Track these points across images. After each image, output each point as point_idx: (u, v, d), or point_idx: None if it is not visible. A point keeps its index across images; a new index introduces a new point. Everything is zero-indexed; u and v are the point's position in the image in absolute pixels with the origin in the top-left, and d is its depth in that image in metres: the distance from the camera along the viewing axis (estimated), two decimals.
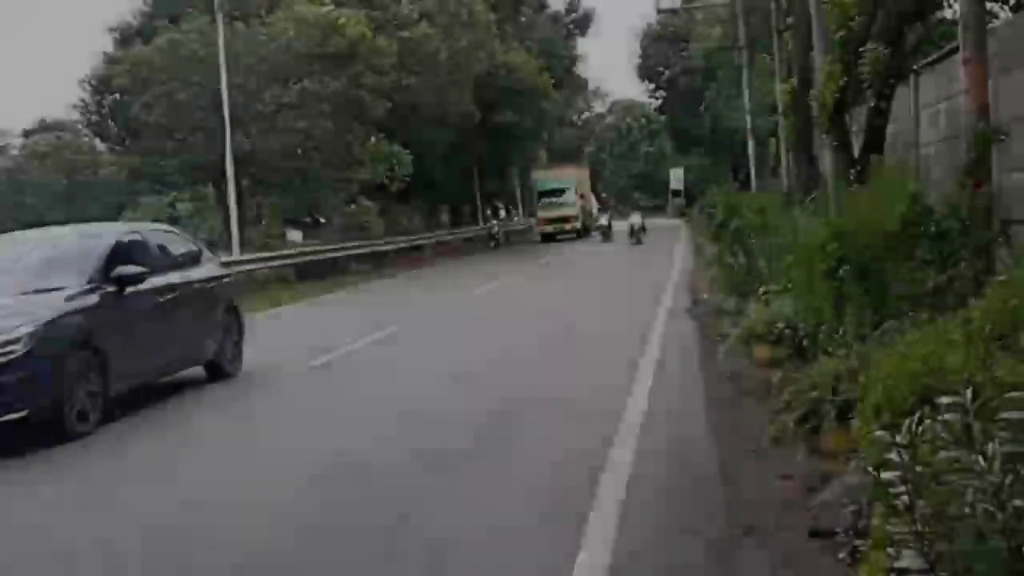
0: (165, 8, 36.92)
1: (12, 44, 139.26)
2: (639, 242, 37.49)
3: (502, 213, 64.45)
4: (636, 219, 38.94)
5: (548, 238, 50.26)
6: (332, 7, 35.54)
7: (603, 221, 45.09)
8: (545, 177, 54.80)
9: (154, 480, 7.83)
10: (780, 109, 24.38)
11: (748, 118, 36.72)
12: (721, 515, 5.72)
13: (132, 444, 9.23)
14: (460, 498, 6.59)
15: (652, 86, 64.15)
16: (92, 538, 6.31)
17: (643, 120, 79.71)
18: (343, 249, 35.02)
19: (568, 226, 50.54)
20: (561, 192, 51.73)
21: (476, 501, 6.52)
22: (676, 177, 66.80)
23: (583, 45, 69.55)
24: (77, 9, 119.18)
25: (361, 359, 13.68)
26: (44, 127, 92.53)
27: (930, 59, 13.00)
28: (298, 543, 5.88)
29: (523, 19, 58.53)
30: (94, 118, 37.21)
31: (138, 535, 6.30)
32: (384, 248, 38.37)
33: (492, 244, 46.60)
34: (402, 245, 40.44)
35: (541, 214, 52.62)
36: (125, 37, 37.45)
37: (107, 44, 39.67)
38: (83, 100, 36.26)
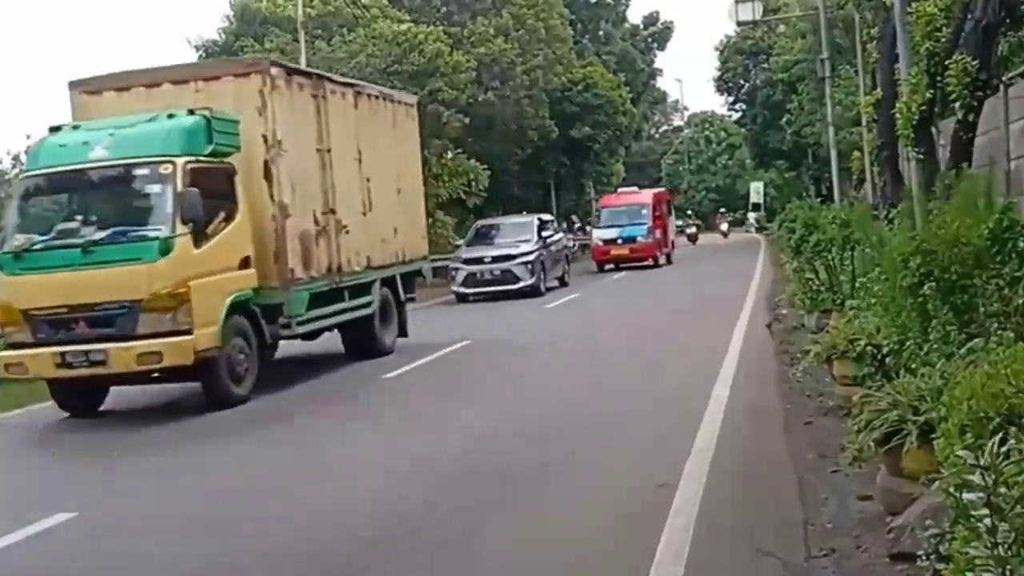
0: (249, 27, 37.65)
1: (102, 60, 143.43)
2: None
3: (577, 228, 63.88)
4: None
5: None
6: (411, 24, 35.94)
7: None
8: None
9: None
10: (864, 122, 23.96)
11: (831, 131, 36.14)
12: (799, 536, 5.61)
13: None
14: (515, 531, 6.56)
15: (731, 99, 63.48)
16: None
17: (722, 133, 78.96)
18: None
19: None
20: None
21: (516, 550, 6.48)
22: (756, 190, 65.99)
23: (661, 58, 69.27)
24: (164, 27, 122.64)
25: (434, 371, 13.76)
26: None
27: (1021, 70, 12.65)
28: None
29: (601, 33, 58.43)
30: None
31: None
32: None
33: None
34: None
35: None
36: (210, 55, 38.24)
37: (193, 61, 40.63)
38: None
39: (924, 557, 4.13)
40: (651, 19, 64.88)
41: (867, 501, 5.95)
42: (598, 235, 35.56)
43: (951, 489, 3.23)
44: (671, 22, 65.84)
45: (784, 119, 51.89)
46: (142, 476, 8.69)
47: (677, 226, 50.97)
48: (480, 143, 39.98)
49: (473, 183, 39.13)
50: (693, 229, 55.67)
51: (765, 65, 56.27)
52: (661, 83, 72.36)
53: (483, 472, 7.76)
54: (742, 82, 60.73)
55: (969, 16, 12.07)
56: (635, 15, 68.82)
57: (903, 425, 5.50)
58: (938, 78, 12.29)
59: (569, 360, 13.88)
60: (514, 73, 40.11)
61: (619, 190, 40.20)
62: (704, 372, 11.29)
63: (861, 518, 5.73)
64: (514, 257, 25.67)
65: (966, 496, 3.02)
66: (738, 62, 59.83)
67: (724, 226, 57.40)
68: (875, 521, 5.55)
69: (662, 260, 35.13)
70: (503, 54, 39.33)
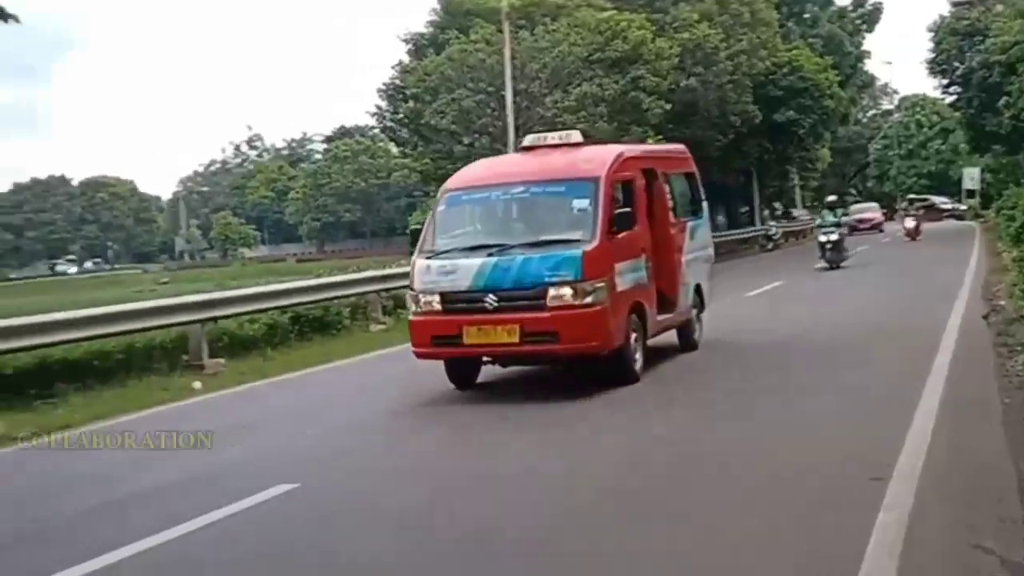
0: (455, 19, 38.59)
1: (317, 57, 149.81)
2: None
3: (779, 214, 62.05)
4: None
5: None
6: (614, 11, 36.02)
7: None
8: None
9: None
10: None
11: None
12: (1018, 532, 5.52)
13: None
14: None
15: (945, 81, 60.53)
16: None
17: (934, 117, 75.50)
18: None
19: None
20: None
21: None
22: (971, 176, 62.92)
23: (870, 40, 66.43)
24: (375, 22, 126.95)
25: None
26: (343, 133, 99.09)
27: None
28: None
29: (807, 16, 56.89)
30: (389, 124, 39.24)
31: None
32: None
33: (769, 246, 45.18)
34: None
35: None
36: (418, 47, 39.39)
37: (402, 54, 41.93)
38: (379, 107, 38.39)
39: None
40: (859, 1, 62.68)
41: None
42: (425, 281, 10.88)
43: None
44: (880, 3, 63.29)
45: (1002, 102, 49.23)
46: None
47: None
48: (681, 129, 39.71)
49: None
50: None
51: (981, 46, 53.48)
52: (869, 66, 69.53)
53: None
54: (956, 64, 57.83)
55: None
56: None
57: None
58: None
59: None
60: (718, 58, 39.53)
61: (527, 138, 13.41)
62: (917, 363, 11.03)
63: None
64: None
65: None
66: (952, 43, 56.99)
67: (910, 222, 40.55)
68: None
69: (637, 367, 11.23)
70: (707, 39, 38.86)
